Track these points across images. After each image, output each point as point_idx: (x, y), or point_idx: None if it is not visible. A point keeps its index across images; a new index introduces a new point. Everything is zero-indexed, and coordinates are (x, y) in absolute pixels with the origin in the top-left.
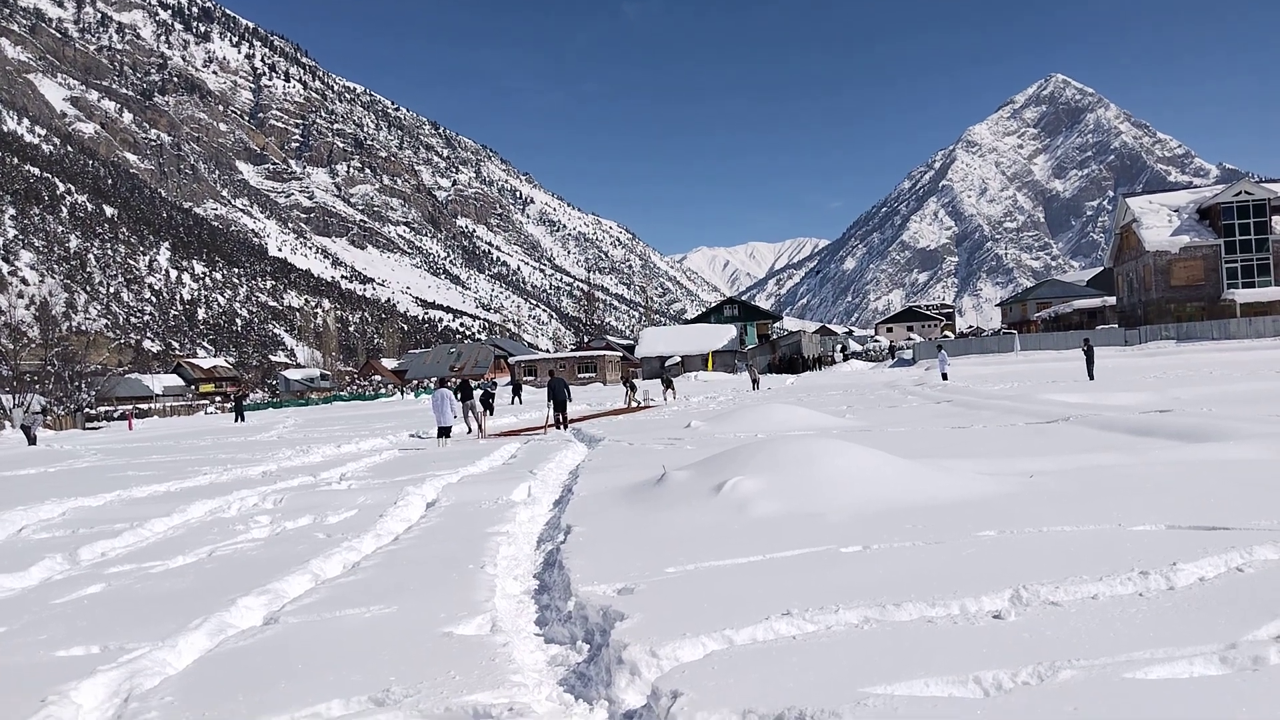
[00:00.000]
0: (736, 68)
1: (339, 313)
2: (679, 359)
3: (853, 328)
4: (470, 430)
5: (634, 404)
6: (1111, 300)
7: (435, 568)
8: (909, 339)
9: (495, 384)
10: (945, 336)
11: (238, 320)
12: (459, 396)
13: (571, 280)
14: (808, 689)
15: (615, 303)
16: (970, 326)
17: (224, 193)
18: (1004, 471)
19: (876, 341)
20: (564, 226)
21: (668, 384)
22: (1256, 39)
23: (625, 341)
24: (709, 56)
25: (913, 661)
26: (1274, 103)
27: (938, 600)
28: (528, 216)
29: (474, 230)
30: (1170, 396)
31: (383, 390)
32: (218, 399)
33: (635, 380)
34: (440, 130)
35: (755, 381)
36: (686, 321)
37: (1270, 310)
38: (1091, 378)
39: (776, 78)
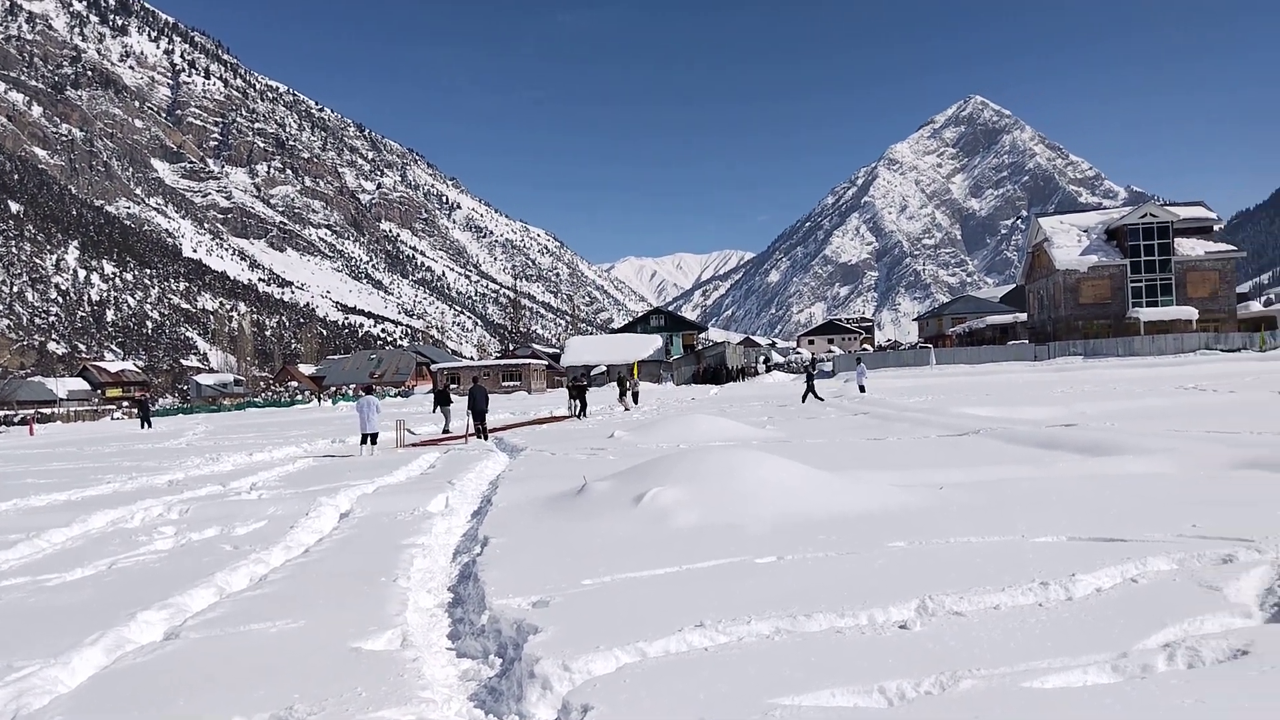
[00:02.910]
0: (667, 77)
1: (255, 316)
2: (604, 368)
3: (776, 339)
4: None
5: (578, 414)
6: (1023, 316)
7: (346, 581)
8: (830, 352)
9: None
10: (864, 350)
11: (148, 323)
12: (438, 403)
13: (498, 287)
14: (717, 701)
15: (542, 311)
16: (889, 340)
17: (138, 191)
18: (916, 483)
19: (798, 354)
20: (491, 233)
21: (624, 390)
22: (1164, 68)
23: (551, 350)
24: (640, 66)
25: (821, 672)
26: (1180, 128)
27: (847, 611)
28: (454, 222)
29: (398, 234)
30: (1076, 411)
31: (299, 397)
32: (124, 404)
33: (585, 386)
34: (365, 132)
35: (633, 395)
36: (613, 331)
37: (1172, 328)
38: (817, 399)
39: (707, 88)
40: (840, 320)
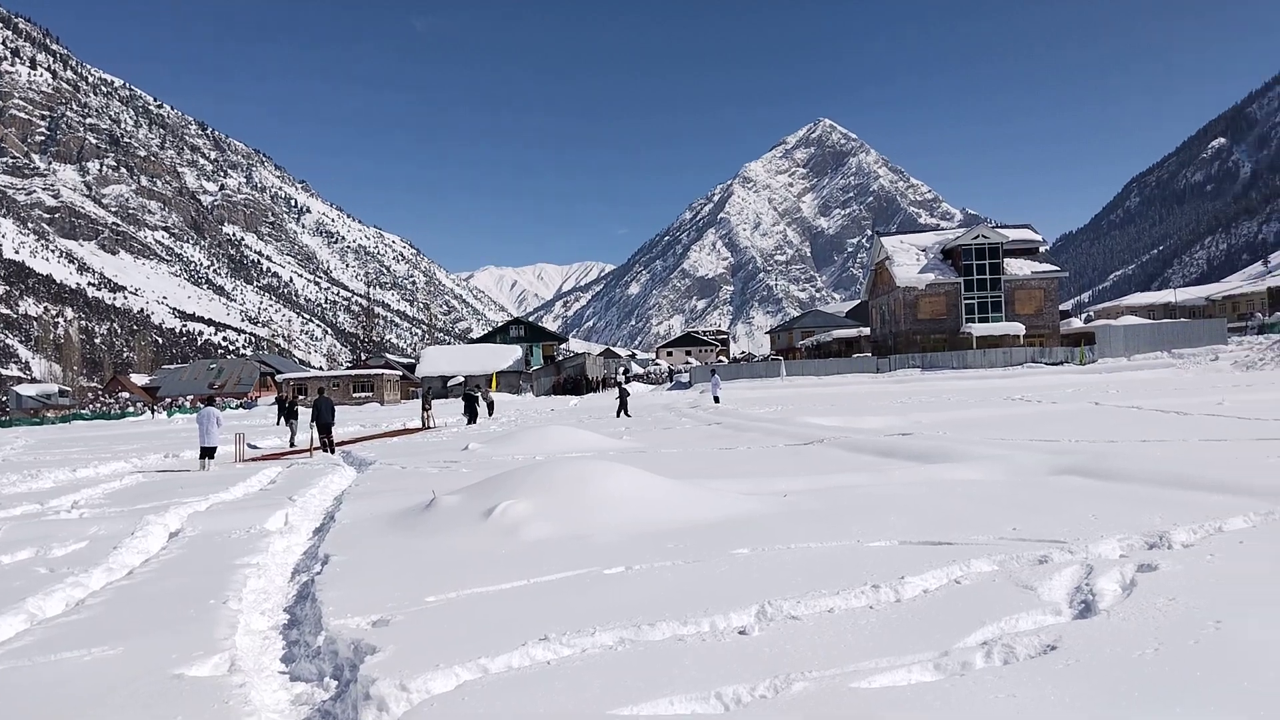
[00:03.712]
0: (529, 84)
1: (84, 323)
2: (462, 379)
3: (636, 351)
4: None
5: (430, 424)
6: (867, 331)
7: (171, 604)
8: (687, 363)
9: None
10: (719, 362)
11: None
12: (282, 416)
13: (350, 295)
14: (557, 714)
15: (397, 320)
16: (743, 352)
17: None
18: (763, 491)
19: (657, 365)
20: (343, 238)
21: (473, 403)
22: (998, 99)
23: (406, 360)
24: (500, 73)
25: (661, 681)
26: (1012, 155)
27: (690, 618)
28: (303, 226)
29: (242, 238)
30: (912, 420)
31: (131, 409)
32: None
33: (476, 397)
34: (208, 131)
35: (488, 406)
36: (472, 341)
37: (1001, 343)
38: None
39: (568, 97)
40: (698, 333)
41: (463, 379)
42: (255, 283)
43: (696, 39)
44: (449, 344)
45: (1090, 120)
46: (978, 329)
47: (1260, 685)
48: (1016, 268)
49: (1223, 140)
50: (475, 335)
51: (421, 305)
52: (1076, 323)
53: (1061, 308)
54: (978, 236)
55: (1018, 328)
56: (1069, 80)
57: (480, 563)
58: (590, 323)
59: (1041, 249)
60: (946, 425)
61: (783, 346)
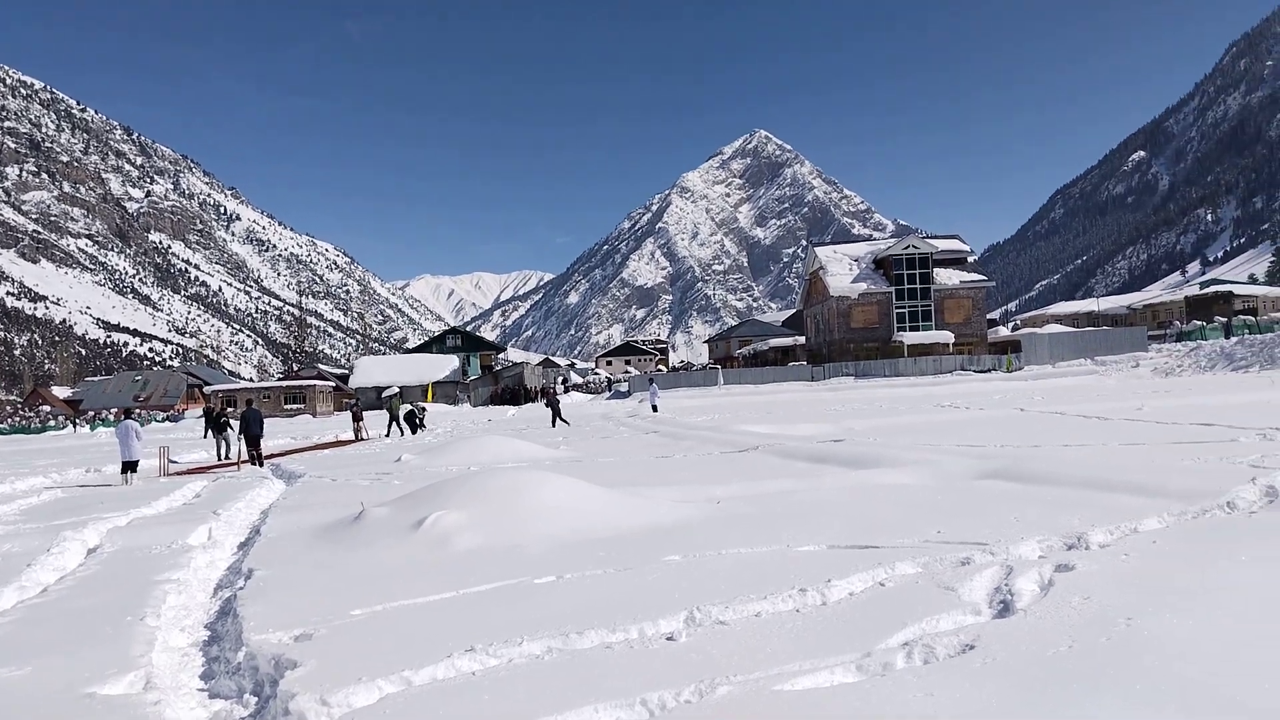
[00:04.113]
0: (468, 90)
1: (3, 334)
2: (397, 390)
3: (575, 360)
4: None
5: (363, 435)
6: (802, 339)
7: (87, 621)
8: (626, 372)
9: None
10: (658, 371)
11: None
12: (209, 428)
13: (281, 304)
14: None
15: (330, 330)
16: (682, 361)
17: None
18: (696, 498)
19: (596, 374)
20: (274, 247)
21: (411, 416)
22: (930, 111)
23: (339, 371)
24: (437, 80)
25: (586, 688)
26: (941, 167)
27: (618, 626)
28: (233, 234)
29: (169, 247)
30: (845, 427)
31: (53, 422)
32: None
33: (415, 411)
34: (134, 136)
35: (408, 418)
36: (407, 351)
37: (931, 350)
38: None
39: (506, 104)
40: (637, 342)
41: (397, 390)
42: (183, 292)
43: (634, 47)
44: (384, 354)
45: (1017, 133)
46: (909, 337)
47: (1165, 678)
48: (946, 277)
49: (1142, 154)
50: (411, 345)
51: (356, 315)
52: (1004, 331)
53: (989, 316)
54: (908, 247)
55: (947, 336)
56: (995, 93)
57: (408, 574)
58: (529, 332)
59: (970, 259)
60: (878, 431)
61: (720, 355)
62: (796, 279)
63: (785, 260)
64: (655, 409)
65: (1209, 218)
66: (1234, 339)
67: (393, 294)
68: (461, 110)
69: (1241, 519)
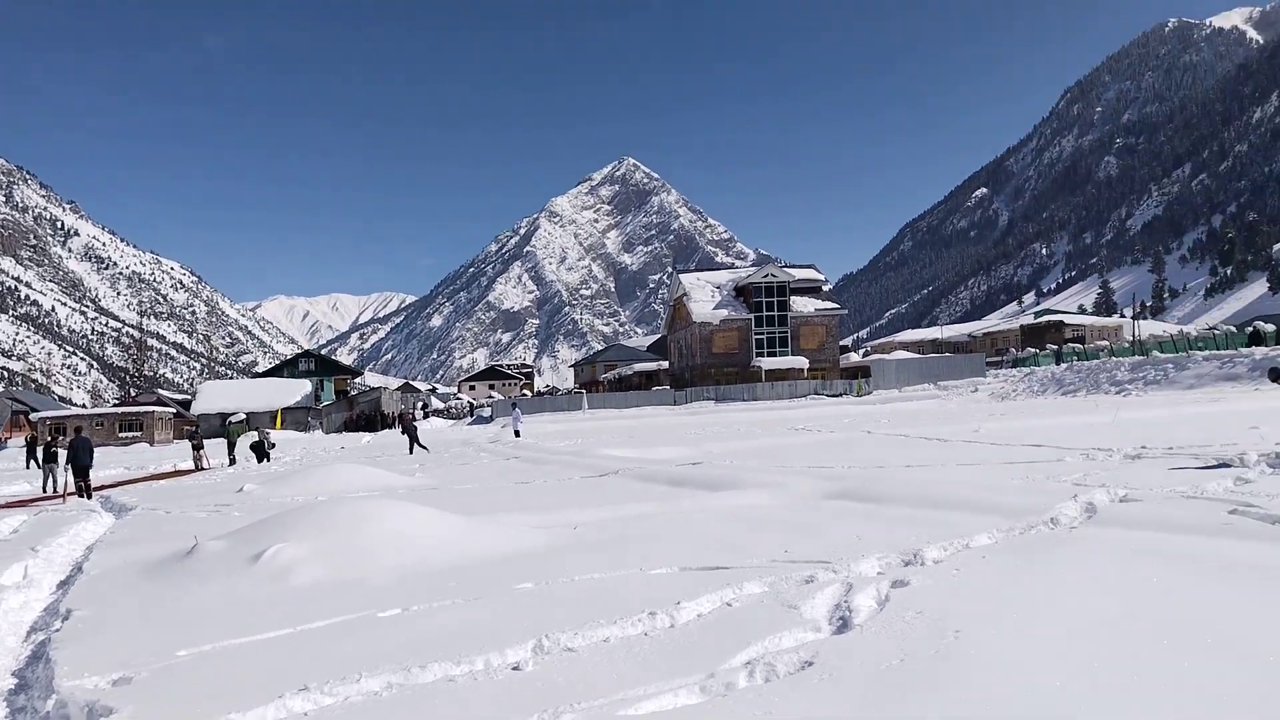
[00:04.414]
0: (325, 98)
1: None
2: (243, 416)
3: (437, 385)
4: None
5: (204, 465)
6: (666, 364)
7: None
8: (490, 397)
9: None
10: (523, 395)
11: None
12: (34, 458)
13: (120, 326)
14: None
15: (173, 353)
16: (547, 386)
17: None
18: (554, 524)
19: (459, 399)
20: (115, 264)
21: (231, 444)
22: (787, 146)
23: (182, 396)
24: (293, 97)
25: None
26: (800, 198)
27: (464, 657)
28: (70, 250)
29: None
30: (704, 450)
31: None
32: None
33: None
34: None
35: (256, 448)
36: (257, 375)
37: (788, 375)
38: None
39: (370, 113)
40: (502, 366)
41: (242, 415)
42: (10, 312)
43: (500, 59)
44: (231, 379)
45: (870, 167)
46: (767, 363)
47: (987, 687)
48: (802, 305)
49: (985, 190)
50: (261, 369)
51: (202, 337)
52: (855, 357)
53: (842, 343)
54: (767, 275)
55: (803, 361)
56: (850, 126)
57: (242, 611)
58: (389, 355)
59: (825, 288)
60: (735, 454)
61: (586, 380)
62: (662, 305)
63: (651, 286)
64: (518, 434)
65: (1044, 251)
66: (1064, 365)
67: (243, 315)
68: (320, 120)
69: (1063, 533)
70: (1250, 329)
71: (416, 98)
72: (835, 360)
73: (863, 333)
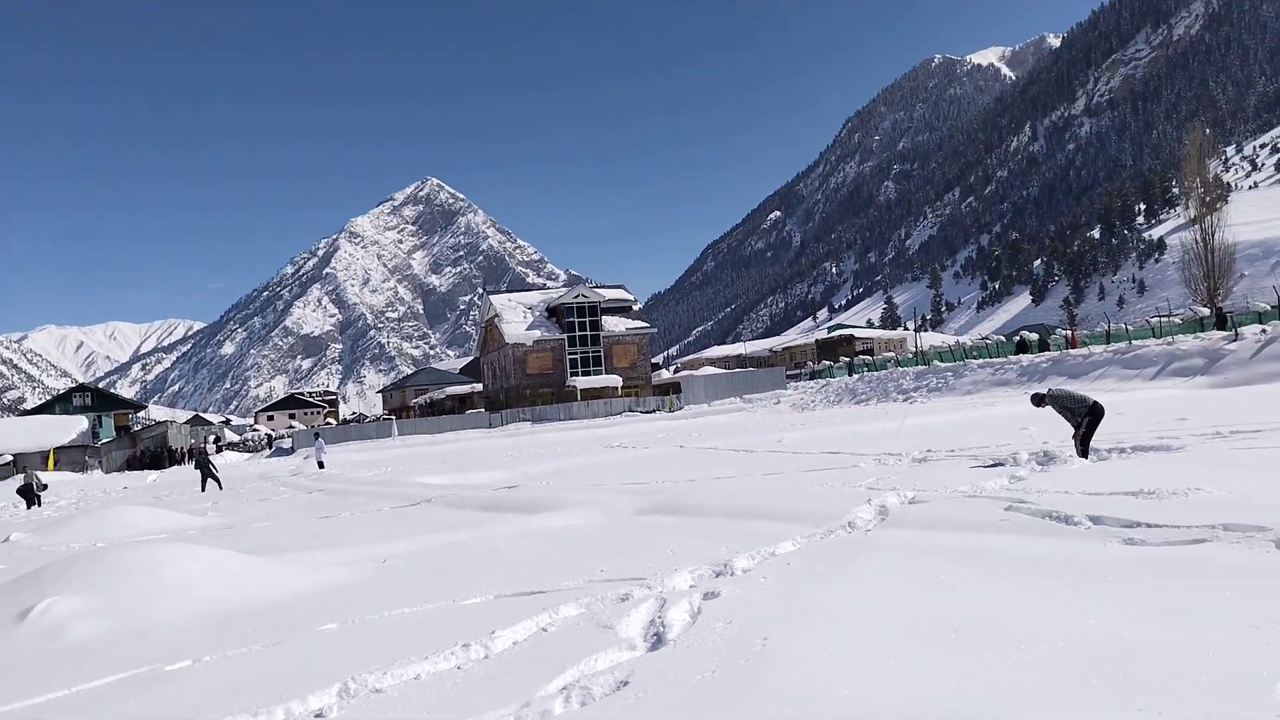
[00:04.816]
0: (99, 120)
1: None
2: (9, 458)
3: (231, 416)
4: None
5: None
6: (480, 387)
7: None
8: (291, 427)
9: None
10: (326, 424)
11: None
12: None
13: None
14: None
15: None
16: (354, 413)
17: None
18: (361, 559)
19: (256, 431)
20: None
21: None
22: (597, 166)
23: None
24: (60, 94)
25: None
26: (606, 221)
27: (262, 708)
28: None
29: None
30: (520, 473)
31: None
32: None
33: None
34: None
35: (24, 500)
36: (25, 413)
37: (602, 394)
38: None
39: (146, 125)
40: (303, 394)
41: (9, 458)
42: None
43: (288, 72)
44: None
45: (674, 193)
46: (581, 382)
47: (793, 691)
48: (613, 324)
49: (778, 213)
50: (30, 406)
51: None
52: (666, 374)
53: (653, 360)
54: (579, 296)
55: (616, 380)
56: (654, 152)
57: (9, 674)
58: (176, 387)
59: (635, 307)
60: (551, 475)
61: (396, 405)
62: (474, 326)
63: (462, 308)
64: (321, 465)
65: (834, 270)
66: (856, 376)
67: (7, 348)
68: (90, 133)
69: (860, 536)
70: (1018, 338)
71: (203, 116)
72: (648, 378)
73: (672, 350)
